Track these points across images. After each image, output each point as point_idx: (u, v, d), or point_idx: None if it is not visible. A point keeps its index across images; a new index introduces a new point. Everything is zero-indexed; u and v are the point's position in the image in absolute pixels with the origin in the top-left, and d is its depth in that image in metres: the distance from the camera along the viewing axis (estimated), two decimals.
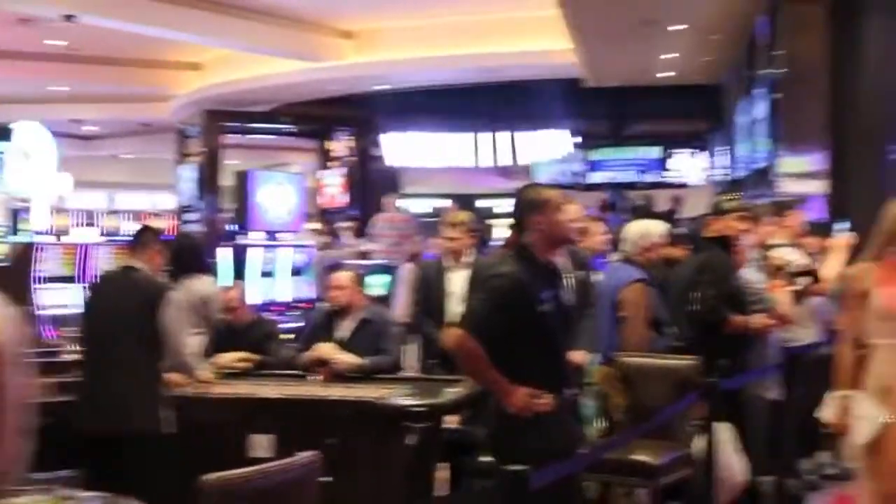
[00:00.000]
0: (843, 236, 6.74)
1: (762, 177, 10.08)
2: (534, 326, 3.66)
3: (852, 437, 4.15)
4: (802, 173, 8.73)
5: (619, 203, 16.46)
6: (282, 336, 6.25)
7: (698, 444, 4.70)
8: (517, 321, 3.65)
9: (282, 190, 10.59)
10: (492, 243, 12.15)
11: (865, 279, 4.12)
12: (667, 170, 18.01)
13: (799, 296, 5.98)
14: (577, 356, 4.69)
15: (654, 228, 5.84)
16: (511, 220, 3.89)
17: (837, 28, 8.45)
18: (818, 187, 8.50)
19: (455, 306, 5.14)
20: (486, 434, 3.82)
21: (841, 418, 4.16)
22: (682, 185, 17.82)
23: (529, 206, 3.78)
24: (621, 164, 18.06)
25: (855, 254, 5.94)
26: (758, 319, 5.53)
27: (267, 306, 9.05)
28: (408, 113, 17.10)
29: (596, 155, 18.21)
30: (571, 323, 4.09)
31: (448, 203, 15.56)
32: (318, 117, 17.07)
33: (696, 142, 17.72)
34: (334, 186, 17.32)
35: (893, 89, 8.18)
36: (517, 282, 3.66)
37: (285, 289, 9.82)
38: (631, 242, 5.70)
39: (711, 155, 17.29)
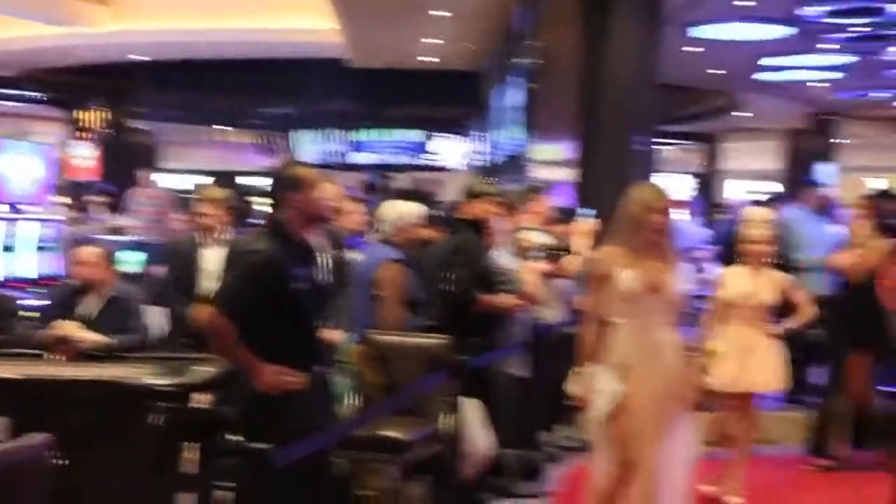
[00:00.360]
0: (587, 222, 6.98)
1: (516, 163, 10.35)
2: (287, 304, 3.64)
3: (592, 410, 4.37)
4: (553, 161, 9.04)
5: (380, 184, 16.59)
6: (25, 314, 5.96)
7: (447, 420, 4.80)
8: (270, 298, 3.62)
9: (26, 160, 9.98)
10: (253, 221, 11.96)
11: (609, 262, 4.40)
12: (428, 153, 18.35)
13: (546, 277, 6.20)
14: (332, 334, 4.72)
15: (411, 210, 5.91)
16: (271, 197, 3.87)
17: (588, 21, 8.74)
18: (567, 174, 8.79)
19: (208, 284, 5.06)
20: (237, 413, 3.77)
21: (584, 393, 4.40)
22: (443, 169, 18.20)
23: (285, 184, 3.76)
24: (383, 146, 18.23)
25: (600, 238, 6.09)
26: (506, 299, 5.70)
27: (7, 282, 8.55)
28: (166, 85, 16.52)
29: (359, 136, 18.31)
30: (325, 301, 4.10)
31: (207, 179, 15.19)
32: (69, 85, 16.22)
33: (457, 127, 18.13)
34: (85, 158, 16.53)
35: (639, 82, 8.55)
36: (270, 259, 3.64)
37: (29, 264, 9.30)
38: (388, 223, 5.75)
39: (471, 140, 17.73)
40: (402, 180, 17.08)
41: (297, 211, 3.74)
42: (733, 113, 18.77)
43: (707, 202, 16.82)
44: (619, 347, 4.33)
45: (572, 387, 4.52)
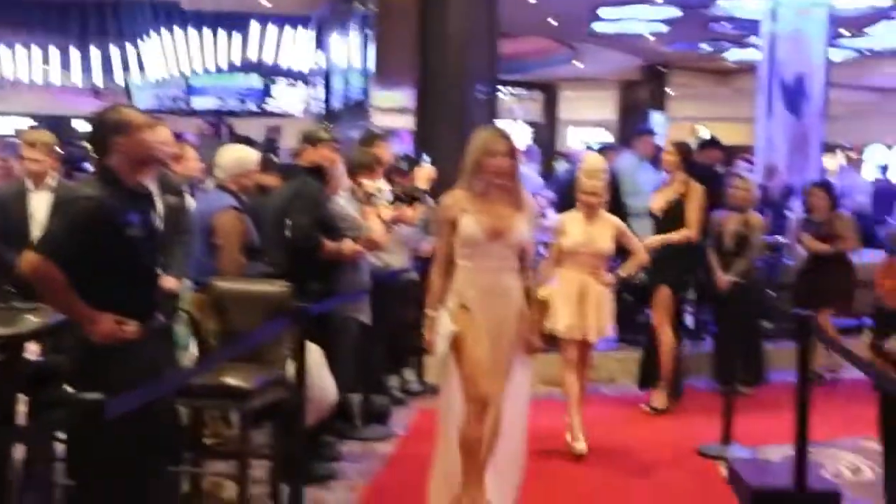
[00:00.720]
0: (425, 169, 7.13)
1: (357, 110, 10.24)
2: (120, 251, 3.59)
3: (434, 352, 4.45)
4: (394, 108, 9.04)
5: (218, 130, 16.22)
6: None
7: (290, 366, 4.79)
8: (102, 246, 3.55)
9: None
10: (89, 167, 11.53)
11: (453, 207, 4.42)
12: (267, 99, 17.87)
13: (389, 223, 6.25)
14: (168, 282, 4.64)
15: (247, 155, 5.79)
16: (91, 144, 3.80)
17: None
18: (407, 122, 8.81)
19: (37, 231, 4.78)
20: (69, 363, 3.69)
21: (429, 335, 4.48)
22: (283, 115, 17.89)
23: (110, 128, 3.67)
24: (222, 91, 17.64)
25: (439, 185, 6.43)
26: (349, 245, 5.71)
27: None
28: None
29: (195, 81, 17.71)
30: (160, 248, 4.02)
31: (31, 123, 14.51)
32: None
33: (297, 73, 17.81)
34: None
35: (479, 32, 8.60)
36: (100, 205, 3.56)
37: None
38: (223, 169, 5.62)
39: (311, 87, 17.50)
40: (241, 126, 16.66)
41: (125, 155, 3.66)
42: (572, 63, 19.17)
43: (546, 150, 17.13)
44: (458, 290, 4.40)
45: (423, 331, 4.59)
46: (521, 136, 17.80)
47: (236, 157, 5.71)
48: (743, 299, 7.13)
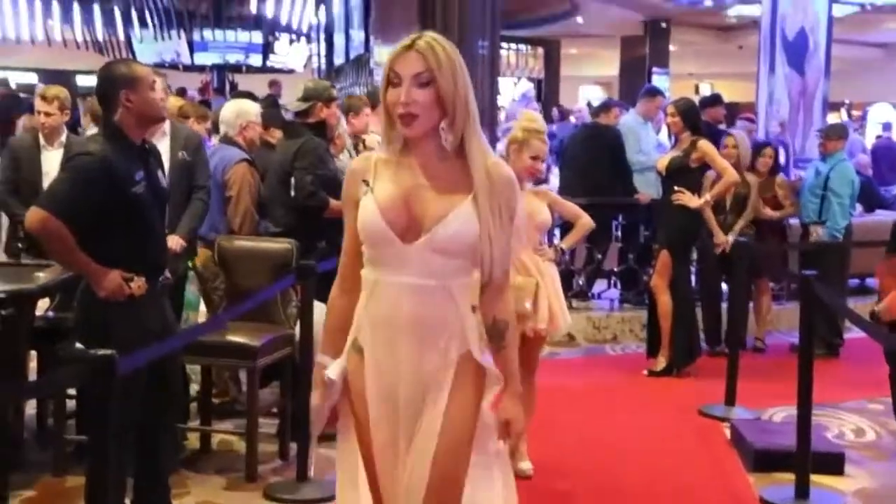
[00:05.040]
0: None
1: (360, 66, 10.12)
2: (125, 208, 3.54)
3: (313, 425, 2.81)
4: None
5: (223, 84, 16.18)
6: None
7: (297, 325, 4.77)
8: (106, 203, 3.50)
9: None
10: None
11: (358, 178, 3.01)
12: (270, 54, 17.83)
13: None
14: (173, 241, 4.55)
15: (250, 108, 5.72)
16: (99, 98, 3.71)
17: None
18: None
19: None
20: (78, 319, 3.69)
21: (314, 397, 3.08)
22: (286, 71, 17.78)
23: (117, 82, 3.59)
24: (224, 46, 17.60)
25: None
26: None
27: None
28: None
29: (198, 36, 17.60)
30: (166, 205, 3.98)
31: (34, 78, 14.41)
32: None
33: (298, 29, 17.71)
34: None
35: None
36: (105, 161, 3.50)
37: None
38: (227, 122, 5.56)
39: (314, 42, 17.37)
40: (244, 82, 16.56)
41: (132, 111, 3.58)
42: (573, 19, 19.01)
43: (548, 107, 16.99)
44: (357, 319, 2.58)
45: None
46: (526, 91, 17.49)
47: (237, 108, 5.64)
48: (745, 259, 6.98)
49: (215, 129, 6.11)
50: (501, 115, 11.32)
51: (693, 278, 7.50)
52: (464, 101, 2.39)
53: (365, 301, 2.51)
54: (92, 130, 5.65)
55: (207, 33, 17.44)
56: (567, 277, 7.62)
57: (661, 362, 6.82)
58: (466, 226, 2.40)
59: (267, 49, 17.71)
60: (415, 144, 2.44)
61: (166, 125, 4.78)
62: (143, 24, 16.76)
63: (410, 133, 2.39)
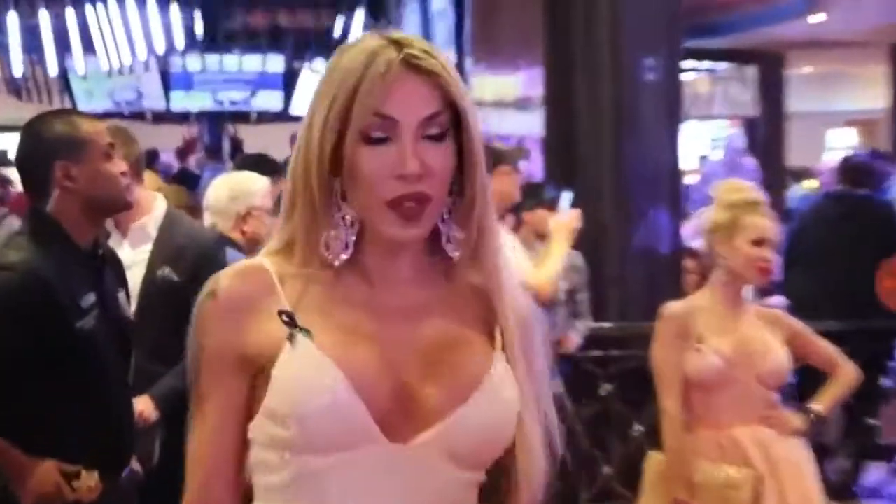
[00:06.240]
0: (566, 213, 5.15)
1: None
2: (66, 355, 2.87)
3: None
4: (505, 101, 7.15)
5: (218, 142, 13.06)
6: None
7: None
8: (38, 347, 2.83)
9: None
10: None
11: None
12: (295, 91, 12.91)
13: None
14: (142, 405, 3.54)
15: (252, 185, 4.52)
16: (22, 176, 3.07)
17: None
18: (527, 124, 6.85)
19: None
20: None
21: None
22: None
23: (50, 149, 2.92)
24: (221, 81, 13.17)
25: (591, 236, 5.12)
26: None
27: None
28: None
29: (178, 64, 12.90)
30: (131, 348, 3.19)
31: None
32: None
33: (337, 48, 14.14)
34: None
35: None
36: (32, 280, 2.86)
37: None
38: (218, 210, 4.45)
39: None
40: (252, 136, 12.62)
41: (74, 194, 2.92)
42: (806, 17, 14.86)
43: (769, 164, 13.24)
44: None
45: None
46: (725, 139, 14.15)
47: (233, 186, 4.52)
48: None
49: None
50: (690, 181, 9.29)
51: None
52: (482, 170, 1.54)
53: None
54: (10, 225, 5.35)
55: (192, 60, 12.76)
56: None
57: None
58: (506, 407, 1.52)
59: (290, 82, 12.79)
60: (381, 255, 1.55)
61: (156, 216, 3.92)
62: (87, 46, 11.86)
63: (416, 234, 1.51)
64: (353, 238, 1.52)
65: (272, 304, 1.49)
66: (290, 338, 1.47)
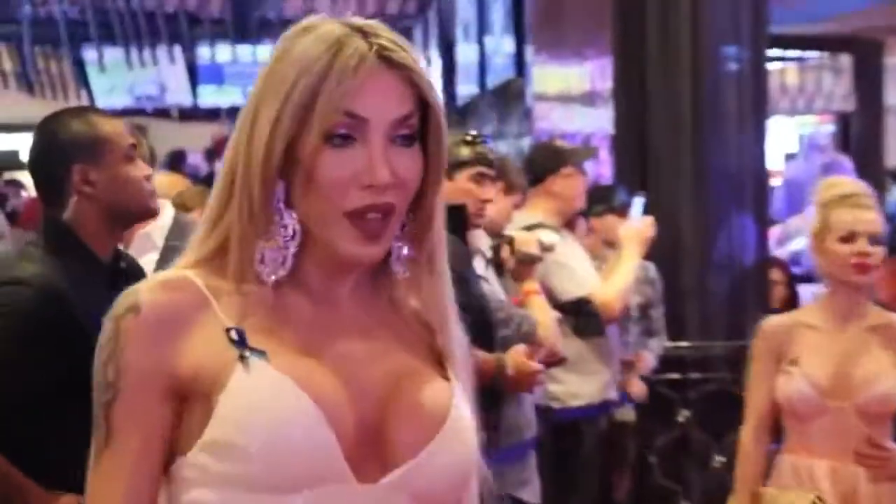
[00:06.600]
0: (638, 220, 4.95)
1: (507, 99, 7.60)
2: (88, 378, 2.07)
3: None
4: (568, 94, 6.50)
5: None
6: None
7: None
8: (53, 370, 2.63)
9: None
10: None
11: None
12: None
13: None
14: None
15: None
16: (36, 180, 2.86)
17: None
18: (595, 120, 6.35)
19: None
20: None
21: None
22: None
23: (67, 151, 2.76)
24: (253, 72, 13.98)
25: (665, 246, 4.97)
26: (521, 359, 3.73)
27: None
28: None
29: (206, 55, 12.61)
30: None
31: None
32: None
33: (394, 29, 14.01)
34: None
35: None
36: (51, 295, 2.70)
37: None
38: None
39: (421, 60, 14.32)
40: None
41: (94, 201, 2.75)
42: None
43: (868, 163, 12.55)
44: None
45: None
46: (811, 138, 13.55)
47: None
48: None
49: None
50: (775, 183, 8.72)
51: None
52: (442, 180, 1.50)
53: None
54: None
55: (222, 51, 12.53)
56: None
57: None
58: (470, 446, 1.49)
59: None
60: (326, 273, 1.47)
61: (162, 224, 3.75)
62: (105, 37, 11.66)
63: (375, 253, 1.43)
64: (293, 251, 1.41)
65: (207, 320, 1.38)
66: (243, 359, 1.37)
